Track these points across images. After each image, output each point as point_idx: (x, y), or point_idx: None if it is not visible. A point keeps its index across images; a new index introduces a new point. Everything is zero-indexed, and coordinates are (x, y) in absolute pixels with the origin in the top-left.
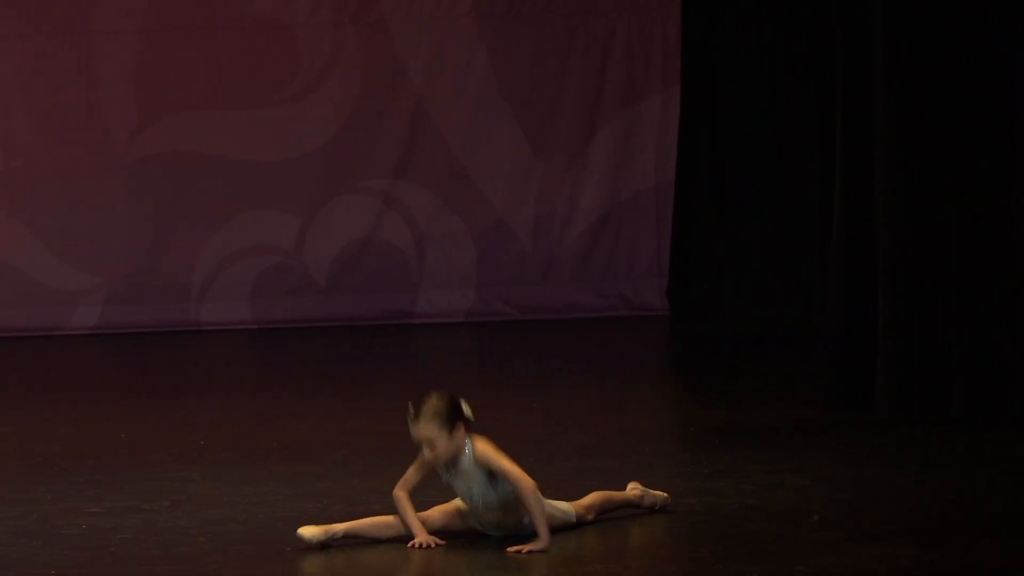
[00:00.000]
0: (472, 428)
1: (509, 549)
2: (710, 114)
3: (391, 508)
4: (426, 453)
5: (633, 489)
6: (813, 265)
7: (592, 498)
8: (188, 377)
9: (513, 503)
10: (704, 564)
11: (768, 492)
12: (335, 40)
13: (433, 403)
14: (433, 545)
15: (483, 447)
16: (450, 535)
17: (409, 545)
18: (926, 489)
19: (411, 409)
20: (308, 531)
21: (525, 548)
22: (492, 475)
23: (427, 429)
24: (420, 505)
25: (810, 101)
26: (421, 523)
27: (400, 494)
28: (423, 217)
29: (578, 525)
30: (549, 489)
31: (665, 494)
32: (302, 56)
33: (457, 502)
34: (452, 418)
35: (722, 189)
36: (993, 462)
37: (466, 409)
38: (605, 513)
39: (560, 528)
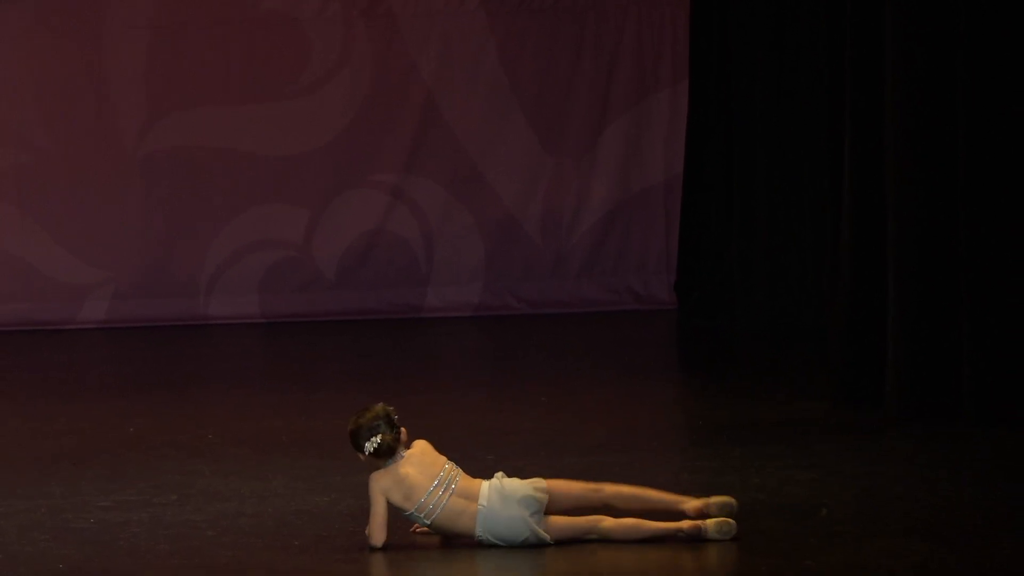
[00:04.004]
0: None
1: None
2: (719, 109)
3: None
4: None
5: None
6: (822, 260)
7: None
8: (196, 371)
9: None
10: (713, 559)
11: (777, 487)
12: (345, 35)
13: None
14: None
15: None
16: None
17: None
18: (936, 485)
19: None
20: None
21: None
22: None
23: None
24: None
25: (820, 95)
26: None
27: None
28: (432, 212)
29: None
30: None
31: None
32: (312, 51)
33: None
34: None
35: (731, 184)
36: (1003, 459)
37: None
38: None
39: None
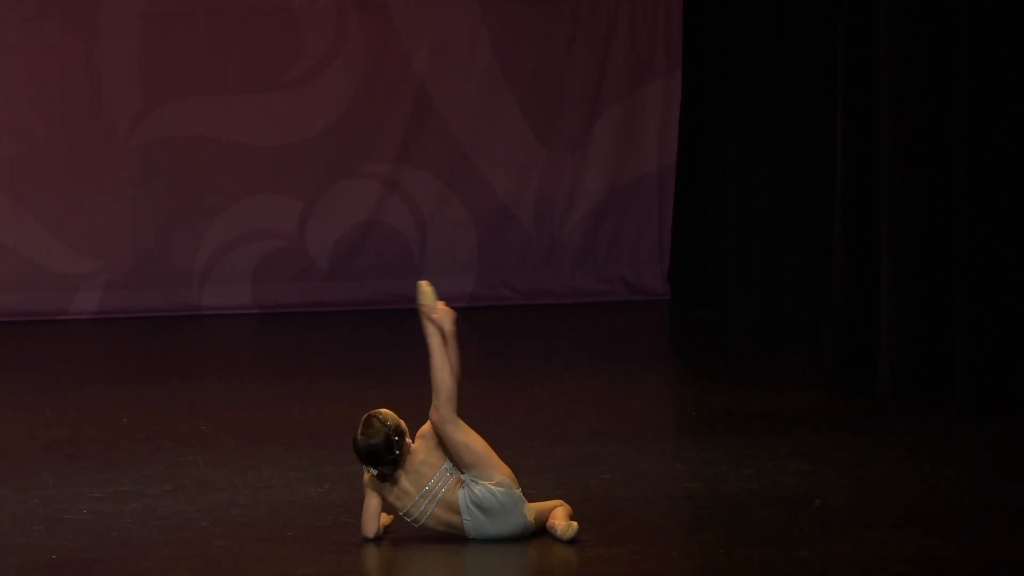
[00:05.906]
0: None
1: None
2: (712, 98)
3: None
4: None
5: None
6: (816, 250)
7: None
8: (190, 362)
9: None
10: (707, 549)
11: (771, 478)
12: (338, 25)
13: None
14: None
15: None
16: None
17: None
18: (929, 477)
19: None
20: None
21: None
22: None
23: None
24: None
25: (818, 91)
26: None
27: None
28: (425, 202)
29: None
30: (551, 473)
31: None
32: (305, 41)
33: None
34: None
35: (726, 177)
36: (997, 451)
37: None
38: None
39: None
